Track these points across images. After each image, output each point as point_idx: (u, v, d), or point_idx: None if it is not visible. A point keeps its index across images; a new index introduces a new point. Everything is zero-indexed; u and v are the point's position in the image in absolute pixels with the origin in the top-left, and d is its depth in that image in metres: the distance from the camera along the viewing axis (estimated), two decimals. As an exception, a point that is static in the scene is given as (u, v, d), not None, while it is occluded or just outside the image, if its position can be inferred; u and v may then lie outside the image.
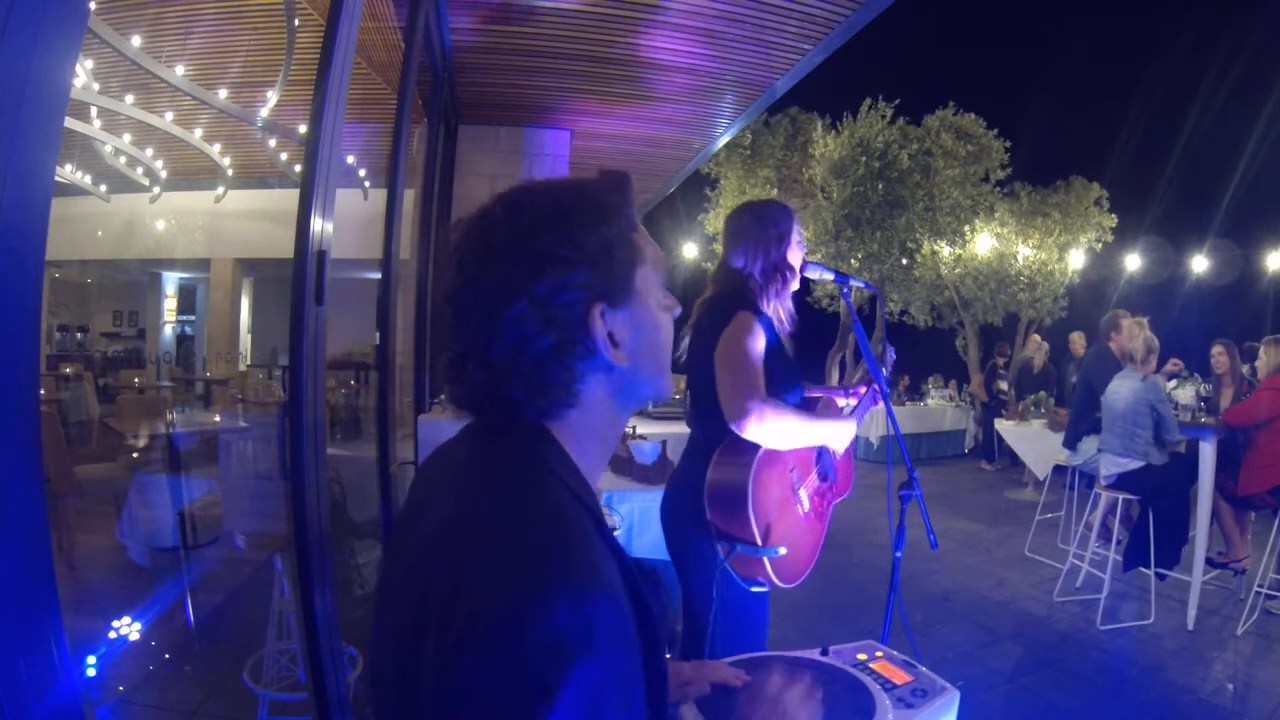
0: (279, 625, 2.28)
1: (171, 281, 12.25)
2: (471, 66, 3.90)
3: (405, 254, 3.42)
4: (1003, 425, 6.24)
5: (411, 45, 2.65)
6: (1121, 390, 3.76)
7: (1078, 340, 6.73)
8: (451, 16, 3.35)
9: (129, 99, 4.88)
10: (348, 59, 1.55)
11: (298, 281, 1.41)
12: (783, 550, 1.53)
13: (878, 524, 5.16)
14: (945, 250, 10.60)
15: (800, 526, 1.64)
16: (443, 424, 2.73)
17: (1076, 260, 10.80)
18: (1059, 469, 5.16)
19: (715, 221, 11.30)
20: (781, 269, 1.73)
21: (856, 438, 2.16)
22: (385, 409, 2.45)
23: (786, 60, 3.76)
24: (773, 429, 1.53)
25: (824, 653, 1.13)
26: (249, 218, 8.85)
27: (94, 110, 5.16)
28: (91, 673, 2.03)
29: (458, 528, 0.58)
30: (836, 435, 1.69)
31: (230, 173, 7.07)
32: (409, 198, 4.06)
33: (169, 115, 5.42)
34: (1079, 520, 4.31)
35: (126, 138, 6.06)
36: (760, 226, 1.74)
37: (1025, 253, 10.66)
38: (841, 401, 1.92)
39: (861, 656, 1.13)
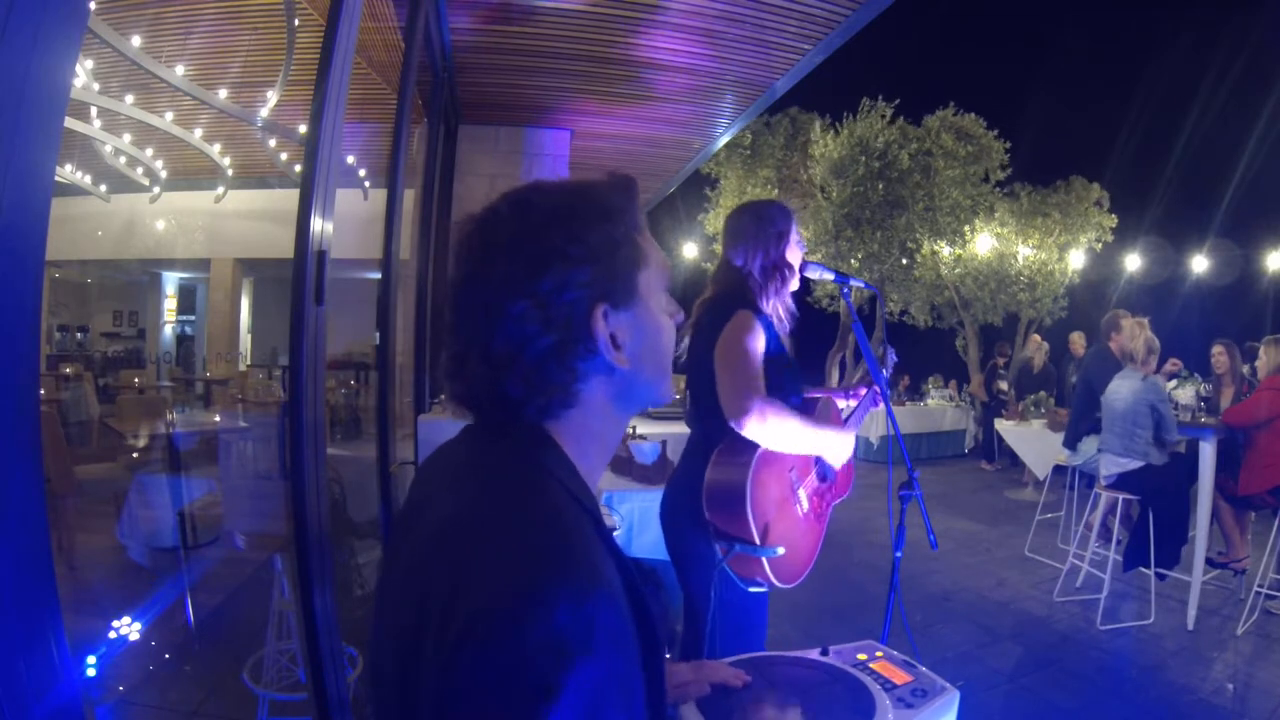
0: (279, 625, 2.28)
1: (171, 281, 12.26)
2: (471, 66, 3.90)
3: (405, 254, 3.43)
4: (1003, 425, 6.23)
5: (411, 45, 2.66)
6: (1121, 390, 3.76)
7: (1078, 340, 6.73)
8: (451, 16, 3.35)
9: (129, 99, 4.89)
10: (348, 59, 1.55)
11: (298, 281, 1.41)
12: (781, 550, 1.53)
13: (878, 524, 5.16)
14: (945, 250, 10.59)
15: (799, 527, 1.63)
16: (443, 424, 2.73)
17: (1076, 260, 10.80)
18: (1059, 469, 5.15)
19: (715, 221, 11.30)
20: (780, 267, 1.73)
21: (857, 438, 2.16)
22: (385, 409, 2.45)
23: (786, 60, 3.77)
24: (773, 429, 1.52)
25: (824, 653, 1.13)
26: (249, 218, 8.86)
27: (94, 110, 5.16)
28: (91, 673, 2.03)
29: (457, 528, 0.58)
30: (835, 446, 1.68)
31: (230, 173, 7.08)
32: (409, 198, 4.07)
33: (169, 115, 5.42)
34: (1079, 520, 4.31)
35: (126, 138, 6.07)
36: (759, 225, 1.75)
37: (1025, 253, 10.65)
38: (841, 403, 1.92)
39: (861, 656, 1.13)
